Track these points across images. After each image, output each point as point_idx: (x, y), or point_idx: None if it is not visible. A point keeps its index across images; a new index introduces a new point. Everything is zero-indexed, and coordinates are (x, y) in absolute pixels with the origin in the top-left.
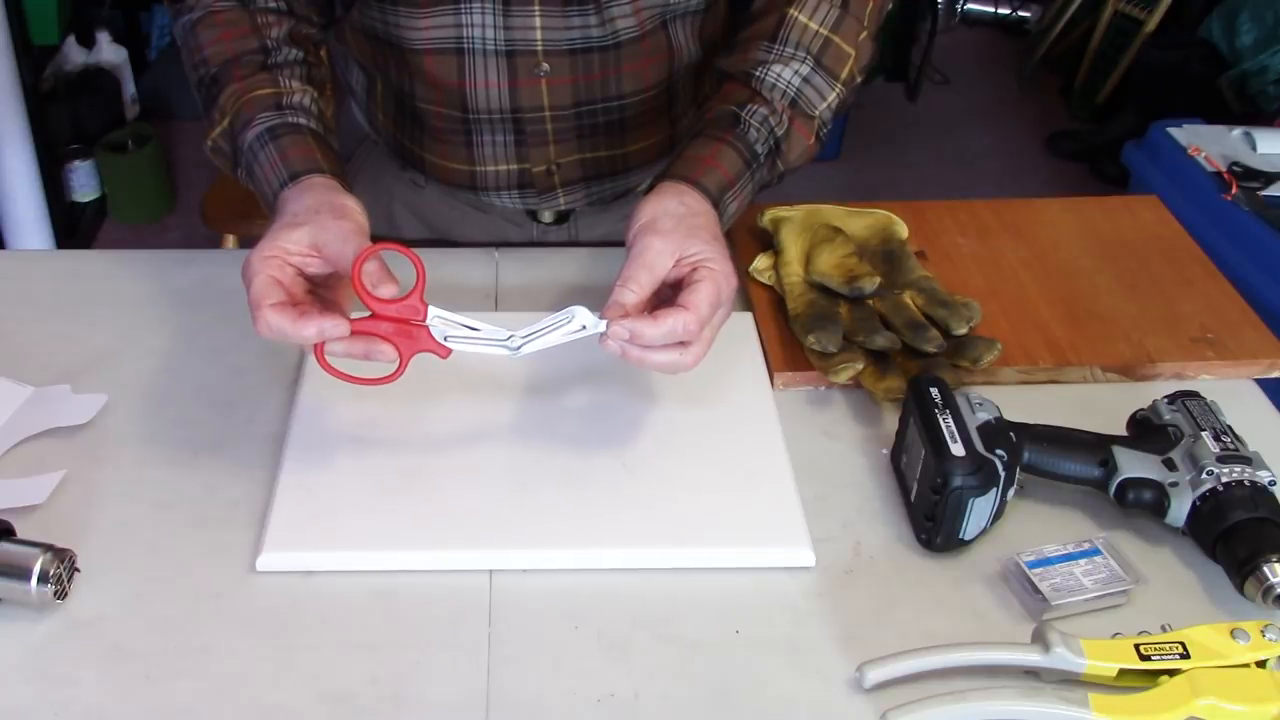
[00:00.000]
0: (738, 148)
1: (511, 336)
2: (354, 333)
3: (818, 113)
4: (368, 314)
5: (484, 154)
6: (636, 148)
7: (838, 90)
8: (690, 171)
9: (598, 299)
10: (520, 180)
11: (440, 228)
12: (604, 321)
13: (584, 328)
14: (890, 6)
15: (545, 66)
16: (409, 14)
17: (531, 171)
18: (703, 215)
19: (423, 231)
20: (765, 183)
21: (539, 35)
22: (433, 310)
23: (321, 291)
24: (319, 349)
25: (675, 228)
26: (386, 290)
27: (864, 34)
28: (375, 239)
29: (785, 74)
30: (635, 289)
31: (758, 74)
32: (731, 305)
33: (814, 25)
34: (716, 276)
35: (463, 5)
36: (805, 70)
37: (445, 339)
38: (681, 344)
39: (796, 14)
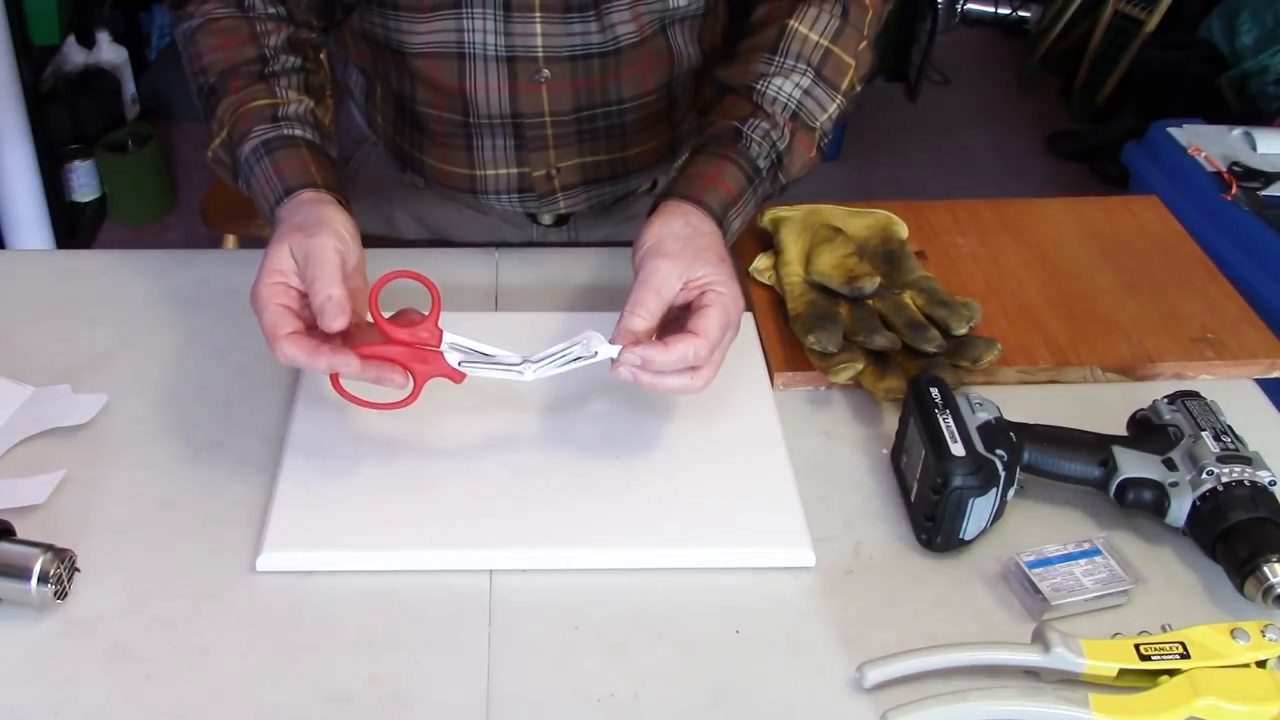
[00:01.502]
0: (740, 164)
1: (524, 362)
2: (368, 357)
3: (818, 124)
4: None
5: (484, 158)
6: (637, 152)
7: (838, 101)
8: (693, 190)
9: (598, 300)
10: (520, 184)
11: (439, 230)
12: (616, 347)
13: (596, 354)
14: (888, 12)
15: (546, 72)
16: (410, 18)
17: (531, 176)
18: (708, 236)
19: (422, 233)
20: (768, 195)
21: (539, 41)
22: (447, 336)
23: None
24: (334, 375)
25: (682, 250)
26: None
27: (864, 43)
28: (375, 241)
29: (786, 87)
30: (644, 314)
31: (759, 87)
32: (739, 327)
33: (814, 36)
34: (725, 300)
35: (464, 11)
36: (806, 82)
37: (459, 364)
38: (692, 368)
39: (797, 25)
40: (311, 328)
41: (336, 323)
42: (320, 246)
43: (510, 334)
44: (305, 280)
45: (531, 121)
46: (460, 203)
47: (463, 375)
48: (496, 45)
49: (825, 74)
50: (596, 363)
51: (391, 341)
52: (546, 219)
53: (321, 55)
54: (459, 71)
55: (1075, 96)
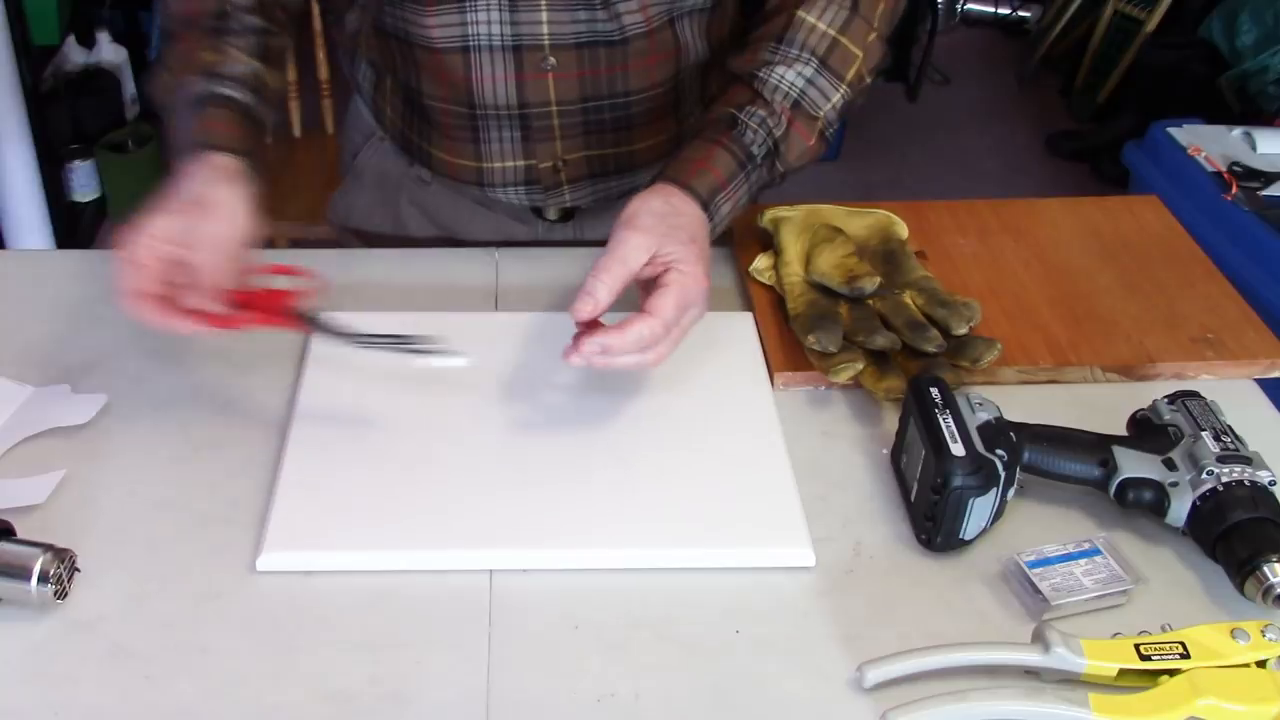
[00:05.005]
0: (732, 150)
1: (369, 336)
2: (225, 323)
3: (822, 113)
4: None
5: (490, 150)
6: (643, 145)
7: (843, 91)
8: (681, 174)
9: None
10: (526, 176)
11: (446, 224)
12: (458, 358)
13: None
14: (903, 9)
15: (552, 61)
16: (416, 11)
17: (538, 167)
18: (686, 216)
19: (428, 228)
20: (765, 183)
21: (545, 30)
22: (321, 316)
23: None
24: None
25: (655, 225)
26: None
27: (873, 35)
28: (381, 239)
29: (789, 76)
30: (607, 280)
31: (761, 75)
32: (704, 305)
33: (822, 26)
34: (685, 280)
35: (467, 3)
36: (809, 72)
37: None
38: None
39: (805, 15)
40: (165, 282)
41: (215, 307)
42: (211, 233)
43: (510, 334)
44: (190, 259)
45: (538, 112)
46: (467, 197)
47: (305, 328)
48: (502, 35)
49: (831, 64)
50: (441, 353)
51: (244, 314)
52: (552, 213)
53: (285, 18)
54: (465, 63)
55: (1075, 96)
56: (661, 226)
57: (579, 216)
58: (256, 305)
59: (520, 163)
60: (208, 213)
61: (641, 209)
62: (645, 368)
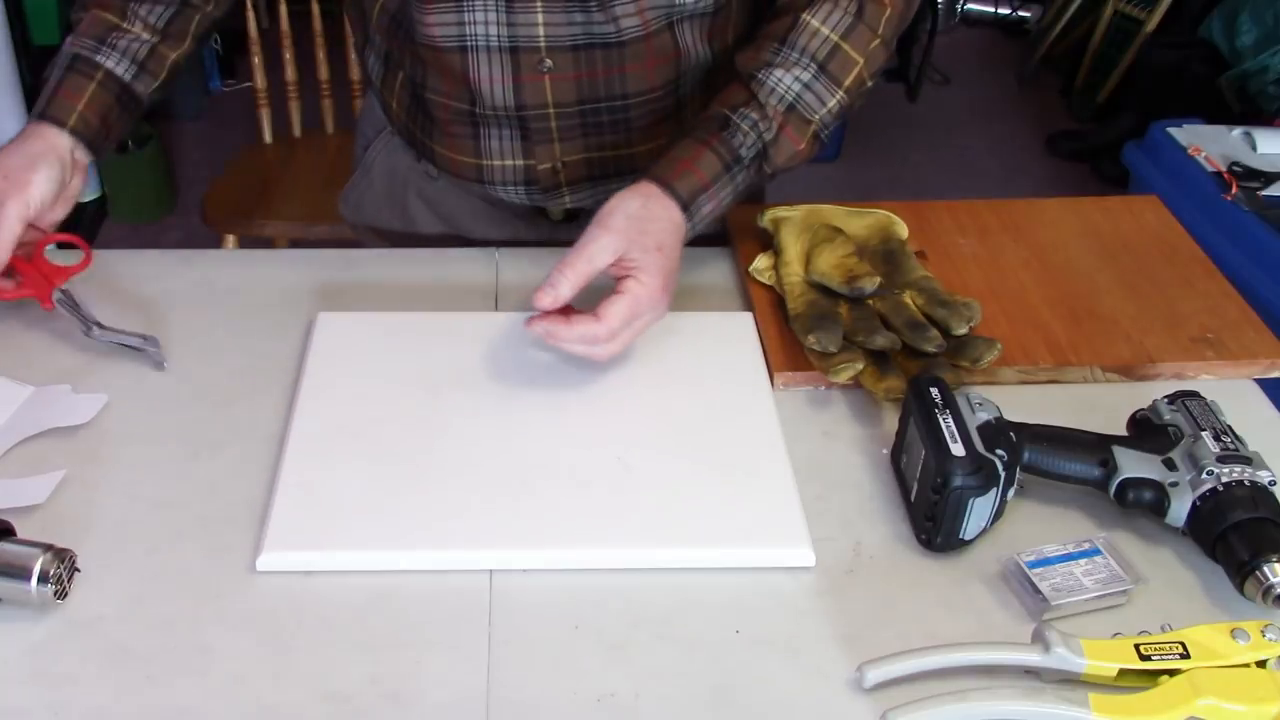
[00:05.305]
0: (720, 152)
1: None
2: None
3: (816, 117)
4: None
5: (490, 148)
6: (643, 149)
7: (839, 97)
8: (665, 173)
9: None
10: (526, 176)
11: (453, 220)
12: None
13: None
14: (912, 15)
15: (549, 63)
16: (419, 8)
17: (537, 168)
18: (660, 220)
19: (436, 224)
20: (752, 182)
21: (542, 31)
22: (60, 294)
23: None
24: None
25: (626, 228)
26: None
27: (876, 42)
28: (390, 236)
29: (786, 79)
30: (570, 275)
31: (759, 77)
32: (660, 312)
33: (825, 30)
34: (639, 291)
35: (465, 4)
36: (807, 77)
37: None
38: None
39: (809, 19)
40: None
41: None
42: (5, 212)
43: (510, 334)
44: None
45: (535, 114)
46: (473, 194)
47: (52, 305)
48: (499, 36)
49: (830, 69)
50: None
51: (5, 283)
52: (555, 214)
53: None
54: (463, 62)
55: (1075, 96)
56: (632, 231)
57: (584, 218)
58: (20, 274)
59: (519, 162)
60: (12, 189)
61: (617, 209)
62: (593, 359)
